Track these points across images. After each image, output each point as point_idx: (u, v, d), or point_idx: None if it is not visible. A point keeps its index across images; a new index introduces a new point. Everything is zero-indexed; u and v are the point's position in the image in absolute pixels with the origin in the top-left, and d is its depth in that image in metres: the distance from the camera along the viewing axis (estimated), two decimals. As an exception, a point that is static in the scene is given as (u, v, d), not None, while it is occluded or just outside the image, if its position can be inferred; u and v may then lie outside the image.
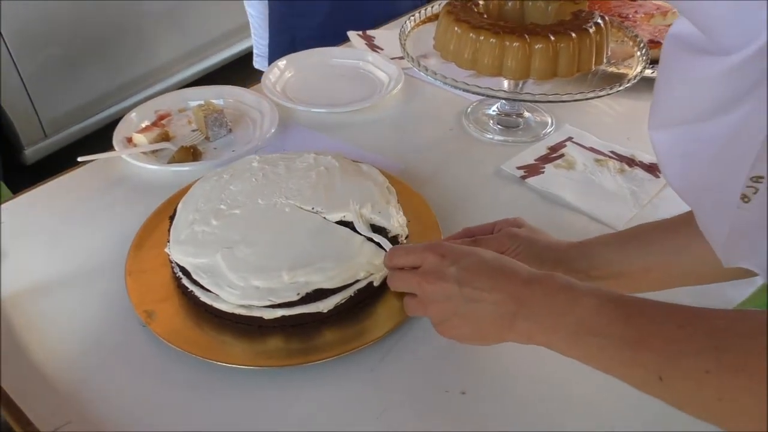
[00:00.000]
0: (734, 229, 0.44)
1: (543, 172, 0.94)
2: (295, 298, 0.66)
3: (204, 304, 0.69)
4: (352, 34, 1.33)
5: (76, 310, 0.72)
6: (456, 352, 0.67)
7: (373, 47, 1.28)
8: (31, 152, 2.25)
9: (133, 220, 0.82)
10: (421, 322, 0.70)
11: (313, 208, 0.74)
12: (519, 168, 0.95)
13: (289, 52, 1.23)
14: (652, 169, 0.95)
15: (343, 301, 0.69)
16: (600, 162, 0.97)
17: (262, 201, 0.76)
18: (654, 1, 1.35)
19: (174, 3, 2.49)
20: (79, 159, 0.95)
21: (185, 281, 0.70)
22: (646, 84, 1.00)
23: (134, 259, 0.76)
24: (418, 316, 0.65)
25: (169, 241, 0.73)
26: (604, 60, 0.98)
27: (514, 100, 1.02)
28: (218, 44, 2.76)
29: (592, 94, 0.91)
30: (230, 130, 1.04)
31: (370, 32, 1.34)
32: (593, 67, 0.96)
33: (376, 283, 0.71)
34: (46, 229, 0.85)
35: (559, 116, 1.07)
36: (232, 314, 0.67)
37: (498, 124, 1.06)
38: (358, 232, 0.71)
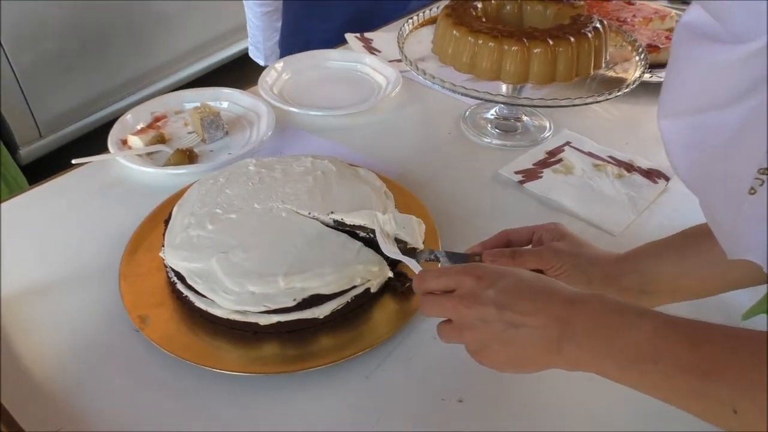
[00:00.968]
0: (740, 222, 0.42)
1: (541, 177, 0.94)
2: (292, 303, 0.65)
3: (199, 310, 0.68)
4: (349, 36, 1.32)
5: (69, 314, 0.72)
6: (453, 359, 0.66)
7: (371, 50, 1.28)
8: (26, 152, 2.23)
9: (128, 224, 0.81)
10: (418, 329, 0.69)
11: (309, 213, 0.74)
12: (517, 173, 0.95)
13: None
14: (650, 174, 0.94)
15: (339, 307, 0.68)
16: (598, 167, 0.96)
17: (258, 205, 0.75)
18: (652, 6, 1.35)
19: (170, 3, 2.48)
20: (74, 161, 0.94)
21: (180, 286, 0.70)
22: (644, 89, 1.00)
23: (128, 263, 0.75)
24: (425, 321, 0.60)
25: (163, 245, 0.73)
26: (603, 64, 0.98)
27: (513, 104, 1.02)
28: (215, 45, 2.75)
29: (590, 99, 0.90)
30: (227, 133, 1.03)
31: (367, 34, 1.33)
32: (592, 71, 0.95)
33: (373, 290, 0.70)
34: (39, 231, 0.84)
35: (557, 121, 1.07)
36: (227, 320, 0.67)
37: (496, 128, 1.06)
38: (366, 244, 0.69)
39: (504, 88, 0.98)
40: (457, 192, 0.91)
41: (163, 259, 0.72)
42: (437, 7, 1.08)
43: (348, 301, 0.68)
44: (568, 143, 1.02)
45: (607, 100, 0.91)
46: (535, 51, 0.91)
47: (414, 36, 1.08)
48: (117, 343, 0.68)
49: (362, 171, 0.83)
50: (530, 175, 0.94)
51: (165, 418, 0.61)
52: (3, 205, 0.88)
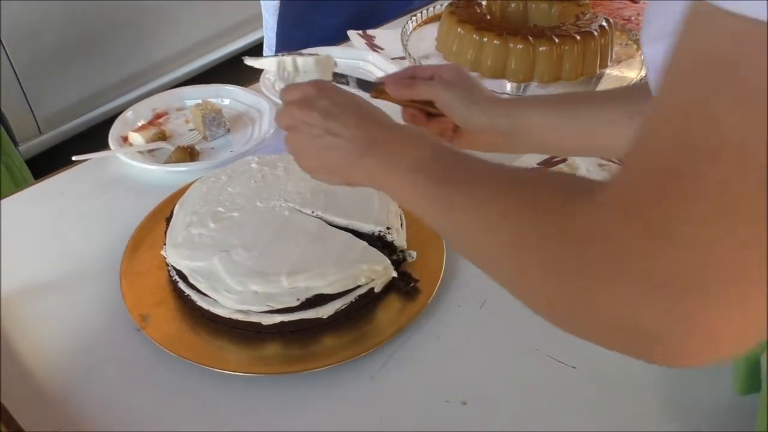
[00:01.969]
0: None
1: (545, 176, 0.93)
2: (295, 303, 0.65)
3: (200, 309, 0.67)
4: (352, 33, 1.31)
5: (69, 312, 0.71)
6: (458, 361, 0.66)
7: (374, 47, 1.27)
8: (25, 149, 2.22)
9: (129, 221, 0.80)
10: (422, 330, 0.69)
11: (313, 212, 0.73)
12: (521, 172, 0.94)
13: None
14: (655, 174, 0.93)
15: (343, 307, 0.67)
16: (603, 167, 0.96)
17: (260, 204, 0.74)
18: (657, 4, 1.34)
19: (171, -1, 2.47)
20: (74, 158, 0.93)
21: (182, 285, 0.69)
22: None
23: (129, 261, 0.75)
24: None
25: (165, 244, 0.72)
26: (609, 63, 0.97)
27: (517, 102, 1.01)
28: (217, 41, 2.74)
29: (596, 98, 0.89)
30: (228, 130, 1.02)
31: (370, 32, 1.32)
32: (598, 70, 0.95)
33: (377, 289, 0.69)
34: (39, 229, 0.83)
35: (561, 119, 1.06)
36: (230, 319, 0.66)
37: (500, 126, 1.05)
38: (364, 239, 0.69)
39: (509, 86, 0.97)
40: (460, 191, 0.91)
41: (165, 258, 0.72)
42: (441, 5, 1.07)
43: (352, 301, 0.68)
44: (572, 142, 1.01)
45: (613, 99, 0.90)
46: (541, 49, 0.90)
47: (417, 33, 1.07)
48: (118, 343, 0.68)
49: (366, 169, 0.82)
50: (534, 174, 0.93)
51: (166, 418, 0.61)
52: (3, 202, 0.87)
